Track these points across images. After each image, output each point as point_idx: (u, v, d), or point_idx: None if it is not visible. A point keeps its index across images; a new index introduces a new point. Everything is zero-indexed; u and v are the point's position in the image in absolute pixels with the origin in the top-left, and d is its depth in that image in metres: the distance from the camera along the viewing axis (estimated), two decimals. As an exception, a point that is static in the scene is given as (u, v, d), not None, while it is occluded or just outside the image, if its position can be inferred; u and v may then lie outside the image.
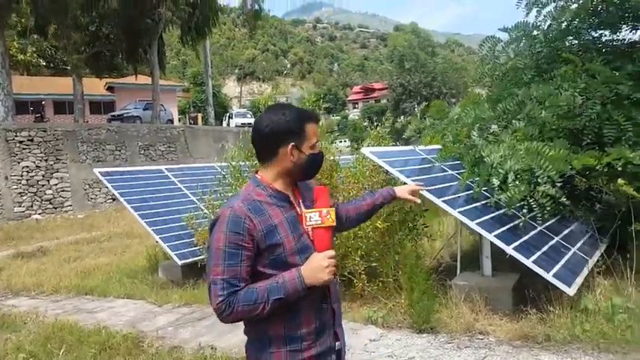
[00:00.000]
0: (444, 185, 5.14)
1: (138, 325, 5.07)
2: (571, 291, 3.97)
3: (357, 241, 5.04)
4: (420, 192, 2.15)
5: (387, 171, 5.16)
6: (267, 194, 1.58)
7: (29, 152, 17.40)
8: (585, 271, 4.51)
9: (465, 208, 4.71)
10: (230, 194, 6.07)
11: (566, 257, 4.61)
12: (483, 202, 4.88)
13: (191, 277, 6.39)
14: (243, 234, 1.46)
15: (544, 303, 4.19)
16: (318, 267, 1.47)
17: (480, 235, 4.70)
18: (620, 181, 4.31)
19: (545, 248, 4.57)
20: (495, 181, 4.77)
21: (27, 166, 17.29)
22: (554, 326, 3.94)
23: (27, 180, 17.24)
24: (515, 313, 4.39)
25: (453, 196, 4.85)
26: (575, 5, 5.47)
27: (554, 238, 4.93)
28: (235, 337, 4.54)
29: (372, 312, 4.70)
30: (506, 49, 5.79)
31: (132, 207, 6.66)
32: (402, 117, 38.98)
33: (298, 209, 1.62)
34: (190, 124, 35.07)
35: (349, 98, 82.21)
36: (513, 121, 5.21)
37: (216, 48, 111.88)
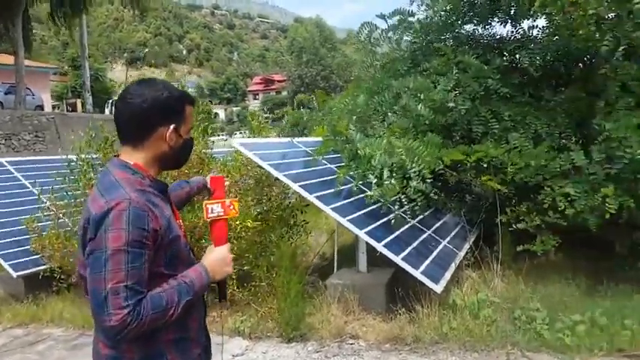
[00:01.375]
0: (321, 180, 4.86)
1: (-53, 358, 4.07)
2: (438, 288, 3.89)
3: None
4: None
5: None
6: (147, 184, 1.36)
7: None
8: (454, 266, 4.50)
9: (339, 204, 4.46)
10: (79, 192, 5.20)
11: (436, 251, 4.58)
12: (360, 198, 4.68)
13: (36, 289, 5.40)
14: (147, 230, 1.25)
15: (414, 301, 4.08)
16: (224, 260, 1.40)
17: (354, 231, 4.48)
18: (483, 177, 4.34)
19: (416, 243, 4.49)
20: (371, 177, 4.59)
21: None
22: (423, 326, 3.83)
23: None
24: (388, 312, 4.25)
25: (326, 192, 4.57)
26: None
27: (425, 232, 4.90)
28: (72, 364, 3.83)
29: (240, 322, 4.25)
30: (382, 36, 5.64)
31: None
32: (301, 109, 39.05)
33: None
34: (68, 110, 31.51)
35: (249, 89, 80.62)
36: (389, 113, 5.08)
37: (103, 29, 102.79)
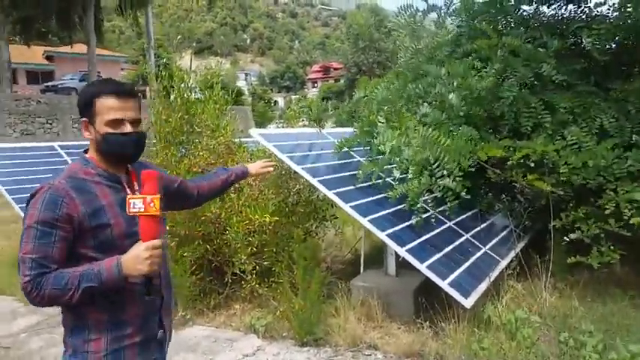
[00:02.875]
0: (348, 174, 4.52)
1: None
2: (467, 302, 3.46)
3: (247, 236, 4.34)
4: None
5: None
6: (96, 172, 1.50)
7: None
8: (492, 276, 4.02)
9: (362, 201, 4.11)
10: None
11: (473, 259, 4.12)
12: (388, 196, 4.29)
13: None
14: (59, 213, 1.38)
15: (442, 312, 3.67)
16: (137, 257, 1.39)
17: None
18: (530, 176, 3.80)
19: (448, 249, 4.05)
20: (396, 172, 4.19)
21: None
22: (448, 342, 3.43)
23: None
24: (414, 322, 3.87)
25: (351, 187, 4.23)
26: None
27: (463, 236, 4.43)
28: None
29: (256, 319, 4.06)
30: (422, 19, 5.15)
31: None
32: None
33: (130, 192, 1.52)
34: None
35: (309, 77, 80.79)
36: (424, 103, 4.62)
37: (173, 20, 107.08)
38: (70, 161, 6.85)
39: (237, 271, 4.38)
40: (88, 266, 1.39)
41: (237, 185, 4.76)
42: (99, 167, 1.51)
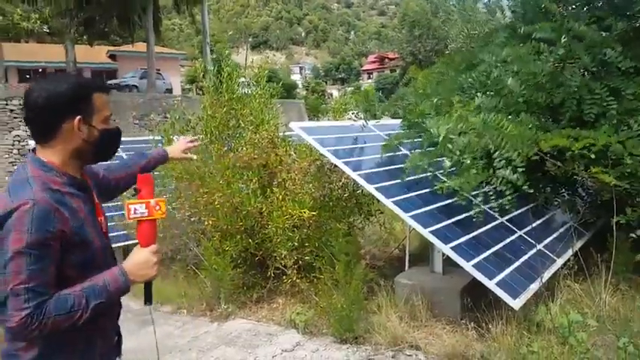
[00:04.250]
0: (394, 168, 4.38)
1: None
2: (516, 303, 3.25)
3: (287, 231, 4.33)
4: None
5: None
6: (62, 182, 1.33)
7: (20, 121, 16.93)
8: (547, 275, 3.75)
9: (405, 196, 3.98)
10: (160, 173, 5.40)
11: (525, 257, 3.86)
12: (434, 191, 4.09)
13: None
14: (52, 231, 1.22)
15: (489, 313, 3.48)
16: (145, 263, 1.34)
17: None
18: (594, 169, 3.48)
19: (499, 246, 3.83)
20: (447, 163, 3.98)
21: (18, 135, 16.87)
22: (495, 345, 3.23)
23: (18, 150, 16.85)
24: (460, 323, 3.70)
25: (395, 182, 4.09)
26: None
27: (516, 233, 4.17)
28: (137, 339, 3.94)
29: (297, 314, 4.05)
30: (474, 2, 4.85)
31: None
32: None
33: (96, 199, 1.45)
34: (198, 93, 34.18)
35: (364, 68, 79.89)
36: (478, 93, 4.36)
37: (230, 16, 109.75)
38: (124, 156, 7.19)
39: (280, 266, 4.40)
40: (88, 283, 1.28)
41: (278, 179, 4.78)
42: (64, 174, 1.35)
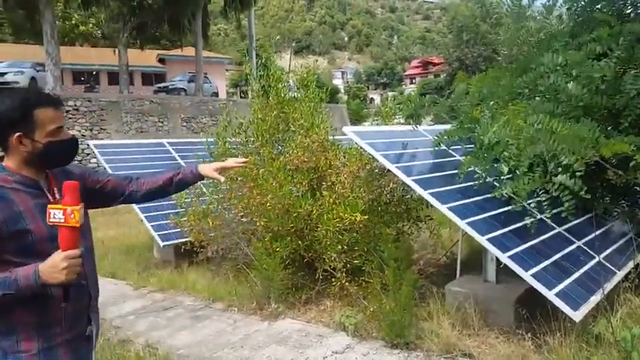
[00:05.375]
0: (446, 173, 4.35)
1: (103, 311, 4.70)
2: (577, 315, 3.14)
3: (337, 234, 4.37)
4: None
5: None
6: (13, 179, 1.53)
7: (75, 121, 17.89)
8: (608, 287, 3.61)
9: (461, 202, 3.93)
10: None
11: (585, 268, 3.73)
12: (490, 197, 4.03)
13: (186, 258, 6.05)
14: None
15: (545, 324, 3.39)
16: (55, 267, 1.40)
17: (478, 235, 3.89)
18: (657, 178, 3.33)
19: (557, 256, 3.72)
20: (504, 168, 3.91)
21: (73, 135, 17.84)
22: (552, 357, 3.15)
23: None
24: (515, 333, 3.62)
25: (449, 187, 4.06)
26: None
27: (574, 243, 4.03)
28: (191, 335, 4.14)
29: (346, 317, 4.08)
30: (529, 5, 4.74)
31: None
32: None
33: (50, 197, 1.57)
34: (241, 97, 34.97)
35: (406, 73, 79.15)
36: (535, 97, 4.27)
37: (275, 21, 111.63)
38: (177, 157, 7.48)
39: (328, 268, 4.44)
40: (6, 274, 1.42)
41: (328, 183, 4.83)
42: (16, 174, 1.53)
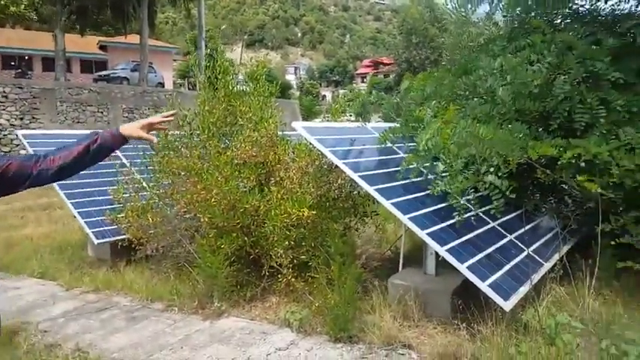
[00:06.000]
0: (392, 170, 4.46)
1: (30, 313, 4.51)
2: (507, 305, 3.34)
3: (284, 230, 4.37)
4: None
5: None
6: None
7: (3, 109, 16.67)
8: (535, 279, 3.86)
9: (404, 198, 4.05)
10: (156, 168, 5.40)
11: (516, 260, 3.97)
12: (430, 194, 4.20)
13: (120, 257, 5.81)
14: None
15: (479, 314, 3.57)
16: None
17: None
18: (580, 177, 3.60)
19: (491, 249, 3.93)
20: (441, 167, 4.09)
21: (0, 124, 16.63)
22: (485, 345, 3.32)
23: (0, 139, 16.61)
24: (452, 323, 3.79)
25: (394, 184, 4.17)
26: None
27: (507, 237, 4.28)
28: (126, 337, 3.98)
29: (291, 313, 4.09)
30: (472, 12, 4.97)
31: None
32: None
33: None
34: (189, 88, 34.01)
35: (358, 72, 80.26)
36: (474, 98, 4.48)
37: (226, 12, 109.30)
38: (117, 150, 7.17)
39: (275, 264, 4.44)
40: None
41: (276, 178, 4.82)
42: None
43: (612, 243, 3.87)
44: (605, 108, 3.89)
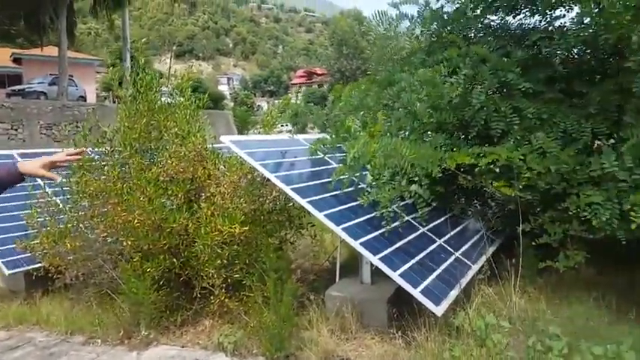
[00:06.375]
0: (323, 181, 4.44)
1: None
2: (439, 310, 3.41)
3: (215, 249, 4.19)
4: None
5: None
6: None
7: None
8: (464, 282, 3.99)
9: (336, 209, 4.05)
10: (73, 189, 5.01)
11: (445, 264, 4.08)
12: (362, 204, 4.22)
13: (36, 287, 5.31)
14: None
15: (414, 321, 3.62)
16: None
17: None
18: (497, 183, 3.80)
19: (422, 255, 4.02)
20: (370, 177, 4.14)
21: None
22: (420, 352, 3.36)
23: None
24: (388, 332, 3.80)
25: (326, 195, 4.16)
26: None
27: (436, 242, 4.39)
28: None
29: (224, 336, 3.92)
30: (395, 27, 5.13)
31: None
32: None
33: None
34: (114, 102, 32.42)
35: (292, 82, 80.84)
36: (399, 109, 4.59)
37: (153, 23, 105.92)
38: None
39: (207, 285, 4.24)
40: None
41: (206, 194, 4.64)
42: None
43: (533, 243, 4.09)
44: (517, 116, 4.12)
